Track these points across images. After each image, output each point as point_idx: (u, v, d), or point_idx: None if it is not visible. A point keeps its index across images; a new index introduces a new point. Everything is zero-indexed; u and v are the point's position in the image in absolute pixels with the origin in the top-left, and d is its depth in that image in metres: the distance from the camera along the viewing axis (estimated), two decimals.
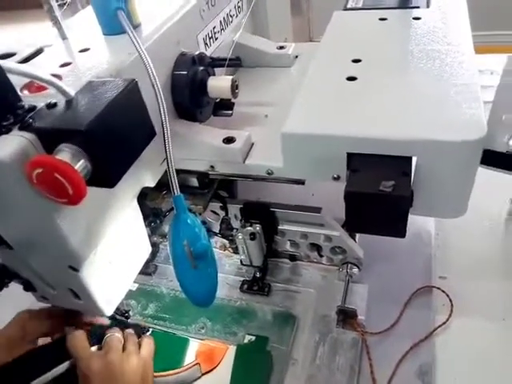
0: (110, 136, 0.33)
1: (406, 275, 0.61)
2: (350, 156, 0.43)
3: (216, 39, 0.60)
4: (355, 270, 0.60)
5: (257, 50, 0.66)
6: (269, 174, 0.49)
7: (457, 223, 0.64)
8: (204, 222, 0.65)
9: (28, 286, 0.47)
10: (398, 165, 0.40)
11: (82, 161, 0.32)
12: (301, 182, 0.50)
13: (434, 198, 0.43)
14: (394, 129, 0.41)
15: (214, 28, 0.60)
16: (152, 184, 0.47)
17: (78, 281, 0.41)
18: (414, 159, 0.41)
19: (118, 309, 0.57)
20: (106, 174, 0.34)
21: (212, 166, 0.50)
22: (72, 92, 0.35)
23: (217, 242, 0.68)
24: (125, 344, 0.49)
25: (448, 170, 0.41)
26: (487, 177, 0.60)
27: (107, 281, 0.43)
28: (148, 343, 0.51)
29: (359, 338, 0.55)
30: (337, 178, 0.45)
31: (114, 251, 0.44)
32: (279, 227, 0.61)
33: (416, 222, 0.66)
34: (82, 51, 0.45)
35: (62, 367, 0.46)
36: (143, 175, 0.46)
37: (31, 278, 0.45)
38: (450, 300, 0.54)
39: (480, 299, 0.54)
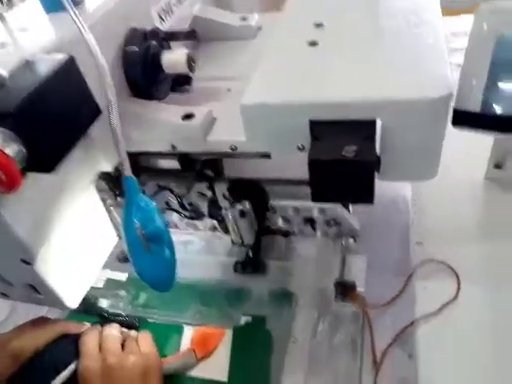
0: (45, 117, 0.31)
1: (383, 244, 0.59)
2: (312, 123, 0.41)
3: (172, 13, 0.57)
4: (351, 240, 0.59)
5: (218, 22, 0.63)
6: (232, 149, 0.46)
7: (434, 188, 0.63)
8: (191, 204, 0.63)
9: None
10: (361, 129, 0.38)
11: (14, 145, 0.29)
12: (267, 156, 0.48)
13: (402, 161, 0.42)
14: (355, 92, 0.39)
15: (170, 1, 0.57)
16: (109, 169, 0.45)
17: (33, 274, 0.39)
18: (379, 122, 0.39)
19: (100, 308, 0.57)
20: (42, 158, 0.31)
21: (173, 146, 0.48)
22: (4, 72, 0.32)
23: (207, 224, 0.66)
24: (124, 343, 0.48)
25: (415, 131, 0.39)
26: (464, 140, 0.59)
27: (67, 273, 0.41)
28: (145, 337, 0.50)
29: (360, 311, 0.54)
30: (301, 149, 0.43)
31: (72, 241, 0.41)
32: (270, 203, 0.59)
33: (392, 189, 0.65)
34: (20, 30, 0.42)
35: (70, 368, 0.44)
36: (98, 159, 0.44)
37: None
38: (457, 275, 0.52)
39: (458, 264, 0.53)
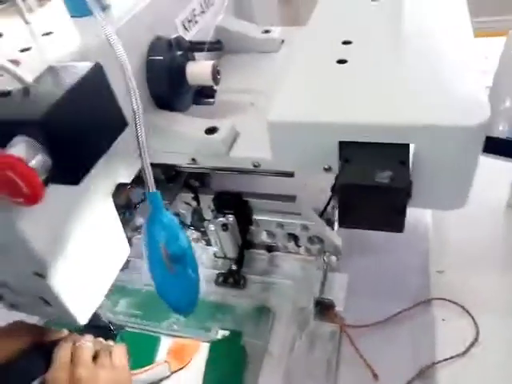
0: (71, 127, 0.29)
1: (402, 268, 0.58)
2: (341, 145, 0.39)
3: (196, 22, 0.56)
4: (333, 258, 0.57)
5: (241, 34, 0.62)
6: (255, 166, 0.45)
7: (455, 215, 0.61)
8: (177, 215, 0.61)
9: None
10: (394, 153, 0.37)
11: (38, 155, 0.28)
12: (290, 175, 0.46)
13: (433, 188, 0.40)
14: (388, 114, 0.37)
15: (194, 10, 0.56)
16: (128, 180, 0.43)
17: (46, 288, 0.37)
18: (412, 147, 0.37)
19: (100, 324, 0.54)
20: (69, 170, 0.30)
21: (193, 159, 0.46)
22: (29, 78, 0.31)
23: (193, 234, 0.64)
24: (97, 354, 0.46)
25: (449, 157, 0.38)
26: (485, 165, 0.57)
27: (80, 287, 0.40)
28: (119, 350, 0.48)
29: (338, 330, 0.52)
30: (328, 170, 0.42)
31: (87, 255, 0.40)
32: (254, 217, 0.58)
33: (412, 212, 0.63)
34: (45, 35, 0.41)
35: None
36: (117, 171, 0.42)
37: None
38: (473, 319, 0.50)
39: (480, 293, 0.51)
